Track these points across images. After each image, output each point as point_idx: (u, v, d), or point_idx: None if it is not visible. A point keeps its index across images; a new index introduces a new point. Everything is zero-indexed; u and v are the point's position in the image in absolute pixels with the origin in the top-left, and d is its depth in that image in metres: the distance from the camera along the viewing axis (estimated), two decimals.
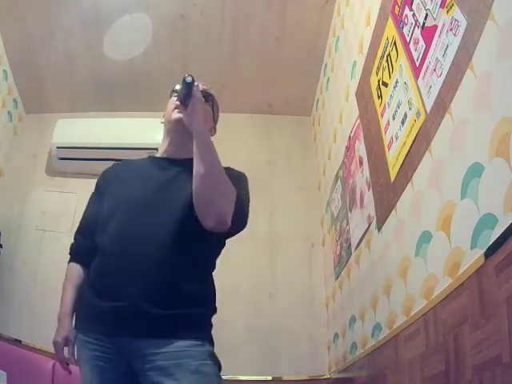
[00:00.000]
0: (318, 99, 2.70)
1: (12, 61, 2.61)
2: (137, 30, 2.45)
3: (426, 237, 1.10)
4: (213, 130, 1.34)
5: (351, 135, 1.87)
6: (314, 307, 2.30)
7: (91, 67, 2.63)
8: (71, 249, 1.27)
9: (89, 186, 2.92)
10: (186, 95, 1.13)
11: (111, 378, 1.03)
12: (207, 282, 1.15)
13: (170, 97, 1.28)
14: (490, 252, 0.80)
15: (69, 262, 1.24)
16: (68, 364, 1.13)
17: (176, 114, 1.20)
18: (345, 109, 2.03)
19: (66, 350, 1.12)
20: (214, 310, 1.14)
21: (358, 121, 1.76)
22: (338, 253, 2.03)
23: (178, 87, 1.19)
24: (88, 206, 1.30)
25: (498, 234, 0.78)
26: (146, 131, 2.58)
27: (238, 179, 1.19)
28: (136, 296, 1.02)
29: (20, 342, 2.20)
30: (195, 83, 1.15)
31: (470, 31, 0.93)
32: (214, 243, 1.15)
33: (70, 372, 1.14)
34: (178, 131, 1.22)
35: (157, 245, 1.07)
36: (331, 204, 2.23)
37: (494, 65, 0.84)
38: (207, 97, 1.27)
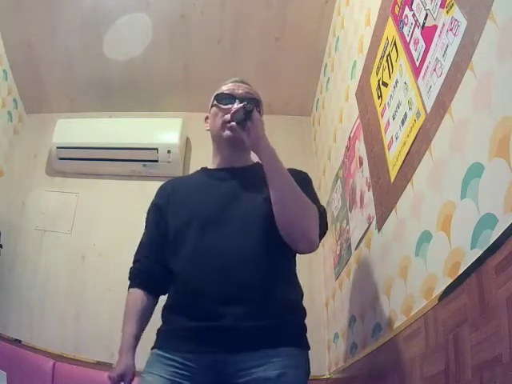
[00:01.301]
0: (317, 99, 2.70)
1: (12, 61, 2.61)
2: (137, 30, 2.45)
3: (426, 237, 1.10)
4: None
5: (351, 135, 1.87)
6: (314, 307, 2.30)
7: (91, 67, 2.63)
8: (131, 273, 1.22)
9: (89, 186, 2.95)
10: (245, 118, 1.10)
11: None
12: (298, 288, 1.14)
13: (213, 104, 1.23)
14: (490, 252, 0.80)
15: (129, 288, 1.19)
16: None
17: (228, 132, 1.17)
18: (345, 109, 2.03)
19: None
20: (305, 313, 1.13)
21: (358, 121, 1.76)
22: (338, 253, 2.03)
23: (249, 107, 1.12)
24: (148, 225, 1.24)
25: (498, 234, 0.77)
26: (145, 131, 2.58)
27: (305, 183, 1.18)
28: (233, 315, 0.99)
29: (20, 341, 2.20)
30: (241, 104, 1.12)
31: (470, 31, 0.93)
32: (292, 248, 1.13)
33: None
34: (232, 147, 1.20)
35: (243, 259, 1.05)
36: (331, 204, 2.23)
37: (494, 65, 0.84)
38: (255, 104, 1.22)
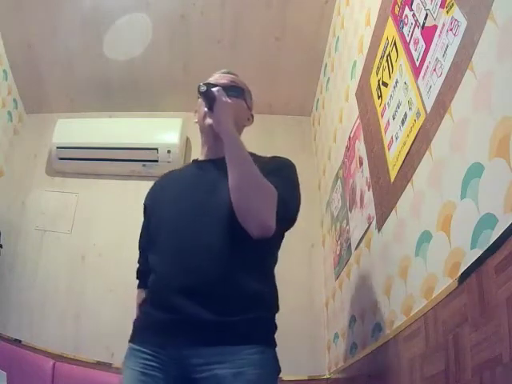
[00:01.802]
0: (318, 99, 2.70)
1: (12, 61, 2.61)
2: (137, 30, 2.45)
3: (426, 237, 1.10)
4: (250, 119, 1.34)
5: (351, 135, 1.87)
6: (314, 307, 2.30)
7: (91, 67, 2.63)
8: (137, 273, 1.30)
9: (89, 186, 2.94)
10: (211, 101, 1.12)
11: None
12: (267, 281, 1.13)
13: (198, 96, 1.24)
14: (490, 252, 0.80)
15: (137, 287, 1.28)
16: None
17: (207, 121, 1.19)
18: (345, 109, 2.03)
19: None
20: (277, 309, 1.12)
21: (358, 121, 1.76)
22: (338, 253, 2.03)
23: (202, 88, 1.15)
24: (142, 227, 1.30)
25: (498, 234, 0.77)
26: (145, 131, 2.58)
27: (281, 170, 1.17)
28: (194, 306, 1.00)
29: (20, 341, 2.20)
30: (215, 88, 1.13)
31: (469, 31, 0.93)
32: (269, 240, 1.08)
33: None
34: (213, 136, 1.20)
35: (208, 252, 1.05)
36: (331, 204, 2.23)
37: (494, 65, 0.84)
38: (237, 93, 1.24)
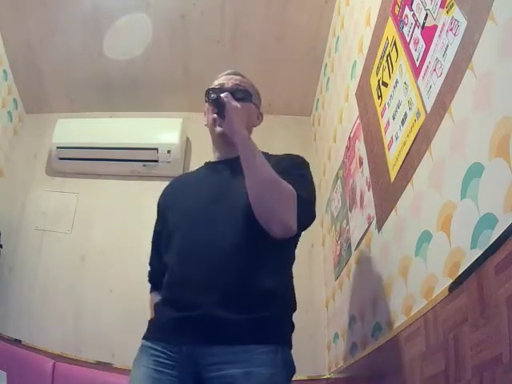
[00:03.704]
0: (318, 99, 2.70)
1: (12, 61, 2.61)
2: (137, 30, 2.45)
3: (426, 237, 1.10)
4: (260, 118, 1.35)
5: (351, 135, 1.87)
6: (314, 307, 2.30)
7: (91, 67, 2.63)
8: (148, 276, 1.29)
9: (89, 186, 2.94)
10: (221, 107, 1.13)
11: None
12: (284, 280, 1.13)
13: (205, 99, 1.25)
14: (490, 252, 0.80)
15: (150, 292, 1.28)
16: None
17: (218, 129, 1.19)
18: (345, 109, 2.03)
19: None
20: (294, 308, 1.13)
21: (358, 121, 1.76)
22: (338, 253, 2.03)
23: (213, 96, 1.16)
24: (154, 228, 1.31)
25: (498, 234, 0.77)
26: (145, 131, 2.58)
27: (295, 167, 1.18)
28: (211, 304, 1.00)
29: (20, 341, 2.20)
30: (224, 94, 1.14)
31: (470, 31, 0.93)
32: (286, 239, 1.10)
33: None
34: (224, 140, 1.21)
35: (224, 250, 1.05)
36: (331, 204, 2.23)
37: (494, 65, 0.84)
38: (245, 95, 1.24)
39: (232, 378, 0.96)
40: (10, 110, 2.69)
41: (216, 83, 1.30)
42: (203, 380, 0.99)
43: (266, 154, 1.18)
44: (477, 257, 0.84)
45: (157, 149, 2.51)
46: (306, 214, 1.11)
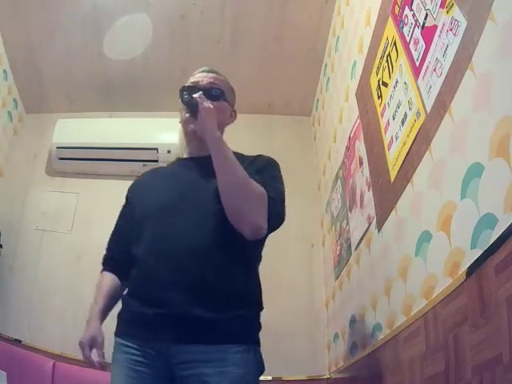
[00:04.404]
0: (318, 99, 2.70)
1: (12, 61, 2.61)
2: (137, 30, 2.45)
3: (425, 237, 1.10)
4: (233, 115, 1.34)
5: (351, 135, 1.87)
6: (314, 307, 2.30)
7: (91, 67, 2.63)
8: (103, 258, 1.30)
9: (89, 186, 2.94)
10: (193, 107, 1.14)
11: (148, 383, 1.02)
12: (253, 279, 1.14)
13: (180, 98, 1.26)
14: (490, 252, 0.80)
15: (101, 271, 1.28)
16: (99, 364, 1.09)
17: (190, 126, 1.21)
18: (345, 109, 2.03)
19: (94, 351, 1.09)
20: (262, 307, 1.12)
21: (358, 121, 1.76)
22: (338, 253, 2.03)
23: (185, 98, 1.19)
24: (118, 217, 1.31)
25: (498, 234, 0.78)
26: (145, 131, 2.58)
27: (266, 169, 1.19)
28: (185, 302, 1.01)
29: (20, 341, 2.20)
30: (197, 94, 1.15)
31: (470, 31, 0.93)
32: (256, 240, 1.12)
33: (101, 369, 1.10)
34: (196, 137, 1.22)
35: (195, 247, 1.06)
36: (331, 204, 2.23)
37: (494, 65, 0.84)
38: (218, 93, 1.24)
39: (205, 376, 0.97)
40: (10, 110, 2.69)
41: (191, 80, 1.30)
42: (175, 379, 1.01)
43: (239, 155, 1.18)
44: (477, 257, 0.84)
45: (157, 149, 2.51)
46: (276, 216, 1.12)
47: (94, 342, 1.09)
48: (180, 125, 1.30)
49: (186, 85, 1.26)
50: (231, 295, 1.05)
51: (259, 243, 1.17)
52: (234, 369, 0.98)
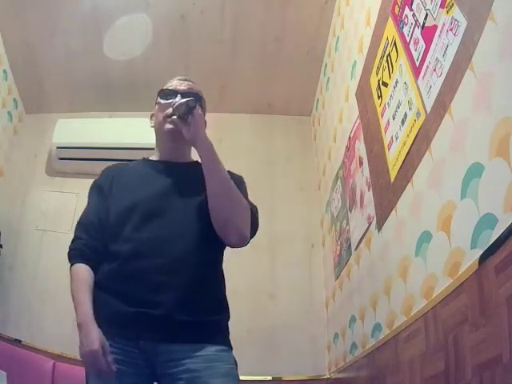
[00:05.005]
0: (318, 99, 2.70)
1: (12, 61, 2.61)
2: (137, 30, 2.45)
3: (426, 237, 1.10)
4: (205, 124, 1.34)
5: (351, 135, 1.87)
6: (314, 307, 2.30)
7: (91, 67, 2.63)
8: (76, 249, 1.17)
9: (89, 186, 2.92)
10: (187, 110, 1.13)
11: (131, 382, 1.02)
12: (224, 282, 1.17)
13: (156, 101, 1.25)
14: (490, 252, 0.80)
15: (75, 263, 1.14)
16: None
17: (169, 125, 1.19)
18: (345, 109, 2.03)
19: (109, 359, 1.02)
20: (229, 312, 1.15)
21: (358, 121, 1.76)
22: (337, 253, 2.03)
23: (169, 99, 1.18)
24: (90, 204, 1.25)
25: (498, 234, 0.78)
26: (145, 131, 2.55)
27: (241, 185, 1.20)
28: (168, 303, 1.02)
29: (20, 341, 2.20)
30: (187, 99, 1.15)
31: (469, 31, 0.93)
32: (224, 246, 1.17)
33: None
34: (173, 140, 1.21)
35: (179, 251, 1.08)
36: (331, 204, 2.23)
37: (494, 65, 0.84)
38: (197, 99, 1.21)
39: (194, 371, 0.99)
40: (10, 110, 2.69)
41: (170, 86, 1.28)
42: (160, 376, 1.03)
43: None
44: (477, 257, 0.84)
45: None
46: (256, 228, 1.16)
47: (104, 349, 1.02)
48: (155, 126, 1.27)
49: (166, 88, 1.26)
50: (214, 299, 1.09)
51: (224, 249, 1.19)
52: (221, 364, 1.02)
